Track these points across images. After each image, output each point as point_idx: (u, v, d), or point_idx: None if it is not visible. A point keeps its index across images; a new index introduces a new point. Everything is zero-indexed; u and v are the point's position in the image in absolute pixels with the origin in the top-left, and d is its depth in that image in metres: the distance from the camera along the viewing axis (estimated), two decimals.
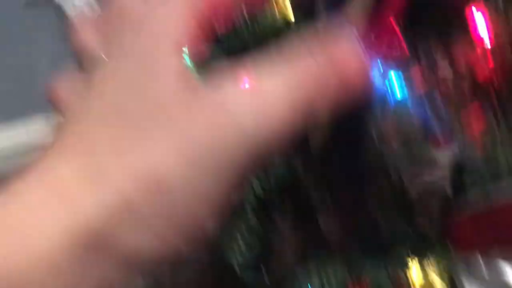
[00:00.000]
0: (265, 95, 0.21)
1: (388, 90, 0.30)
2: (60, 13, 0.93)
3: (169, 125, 0.21)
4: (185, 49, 0.23)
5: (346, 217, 0.45)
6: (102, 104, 0.23)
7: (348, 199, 0.42)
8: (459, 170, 0.35)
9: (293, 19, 0.55)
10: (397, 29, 0.29)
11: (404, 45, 0.29)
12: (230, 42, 0.45)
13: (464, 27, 0.29)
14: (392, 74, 0.29)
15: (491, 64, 0.28)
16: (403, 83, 0.30)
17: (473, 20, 0.29)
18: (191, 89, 0.22)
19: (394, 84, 0.30)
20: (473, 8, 0.29)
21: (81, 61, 0.31)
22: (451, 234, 0.39)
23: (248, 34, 0.47)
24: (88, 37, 0.31)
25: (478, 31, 0.28)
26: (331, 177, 0.41)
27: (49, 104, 0.90)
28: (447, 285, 0.40)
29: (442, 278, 0.40)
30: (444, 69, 0.29)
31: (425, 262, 0.41)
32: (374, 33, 0.30)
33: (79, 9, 0.91)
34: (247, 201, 0.51)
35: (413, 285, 0.42)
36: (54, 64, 1.00)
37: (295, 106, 0.21)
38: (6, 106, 0.99)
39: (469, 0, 0.29)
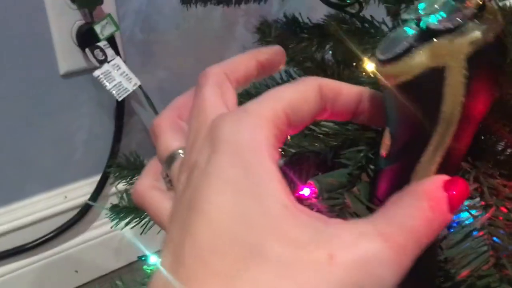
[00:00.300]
0: (399, 250, 0.23)
1: (456, 219, 0.33)
2: (97, 84, 0.97)
3: (309, 266, 0.21)
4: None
5: None
6: (213, 229, 0.22)
7: None
8: None
9: None
10: (463, 164, 0.32)
11: (468, 179, 0.33)
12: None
13: None
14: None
15: None
16: (467, 212, 0.33)
17: None
18: (315, 226, 0.22)
19: (459, 213, 0.33)
20: None
21: (164, 163, 0.31)
22: None
23: None
24: (172, 142, 0.31)
25: None
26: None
27: (85, 172, 0.92)
28: None
29: None
30: (507, 203, 0.32)
31: None
32: (448, 166, 0.32)
33: (116, 81, 0.95)
34: None
35: None
36: (91, 134, 1.04)
37: (416, 253, 0.24)
38: (45, 175, 1.02)
39: None
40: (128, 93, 0.96)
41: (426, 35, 0.27)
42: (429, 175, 0.29)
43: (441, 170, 0.31)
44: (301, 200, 0.44)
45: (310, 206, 0.43)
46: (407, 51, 0.27)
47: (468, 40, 0.25)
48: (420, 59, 0.27)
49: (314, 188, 0.44)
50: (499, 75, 0.28)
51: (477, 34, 0.25)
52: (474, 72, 0.26)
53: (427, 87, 0.27)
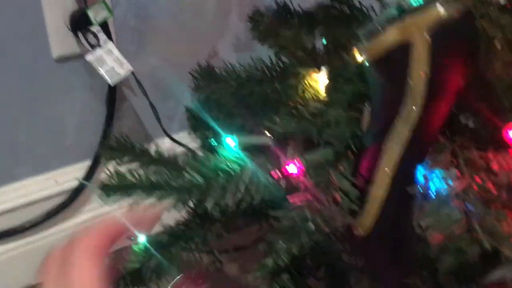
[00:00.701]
0: None
1: (430, 188, 0.35)
2: (90, 69, 0.98)
3: None
4: None
5: (380, 281, 0.48)
6: None
7: (383, 268, 0.45)
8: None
9: (325, 97, 0.59)
10: (440, 138, 0.34)
11: (446, 150, 0.34)
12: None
13: (503, 141, 0.33)
14: (435, 175, 0.34)
15: None
16: (444, 182, 0.35)
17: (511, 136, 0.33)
18: None
19: (436, 183, 0.35)
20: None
21: None
22: None
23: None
24: None
25: None
26: (373, 253, 0.44)
27: (76, 157, 0.93)
28: None
29: None
30: (482, 174, 0.33)
31: None
32: (421, 140, 0.34)
33: (109, 66, 0.96)
34: (282, 262, 0.55)
35: None
36: (83, 119, 1.05)
37: None
38: (36, 159, 1.03)
39: (508, 119, 0.33)
40: (121, 78, 0.97)
41: (402, 15, 0.29)
42: (399, 151, 0.31)
43: (413, 145, 0.32)
44: (288, 177, 0.46)
45: (297, 183, 0.45)
46: (382, 29, 0.29)
47: (430, 15, 0.27)
48: (390, 35, 0.28)
49: (301, 166, 0.45)
50: (470, 52, 0.30)
51: (439, 9, 0.27)
52: (439, 46, 0.27)
53: (397, 61, 0.29)
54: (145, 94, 1.01)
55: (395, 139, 0.34)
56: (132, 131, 1.08)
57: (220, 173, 0.50)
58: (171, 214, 0.69)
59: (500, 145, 0.34)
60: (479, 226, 0.32)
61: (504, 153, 0.33)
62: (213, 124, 0.58)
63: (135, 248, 0.69)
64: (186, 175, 0.54)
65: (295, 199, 0.42)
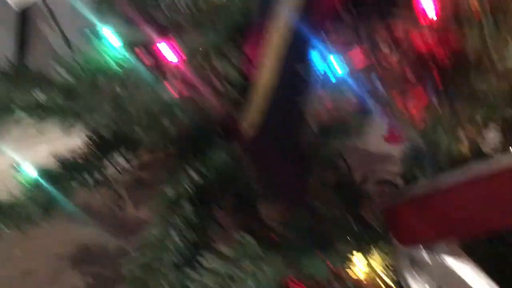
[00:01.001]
0: None
1: (328, 70, 0.28)
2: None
3: None
4: None
5: (287, 206, 0.42)
6: None
7: (288, 187, 0.40)
8: (406, 162, 0.34)
9: None
10: (338, 9, 0.27)
11: (345, 25, 0.27)
12: None
13: (407, 4, 0.27)
14: (333, 53, 0.28)
15: (435, 39, 0.26)
16: (343, 62, 0.28)
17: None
18: None
19: (334, 64, 0.28)
20: None
21: None
22: (393, 223, 0.37)
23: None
24: None
25: (421, 6, 0.26)
26: (269, 164, 0.38)
27: None
28: (391, 279, 0.39)
29: (386, 271, 0.39)
30: (385, 47, 0.27)
31: (369, 256, 0.40)
32: (316, 13, 0.28)
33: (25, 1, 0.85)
34: (184, 192, 0.48)
35: (356, 279, 0.40)
36: None
37: None
38: None
39: None
40: (27, 3, 0.87)
41: None
42: (289, 22, 0.25)
43: (305, 15, 0.26)
44: (167, 66, 0.38)
45: (177, 72, 0.37)
46: None
47: None
48: None
49: (181, 53, 0.37)
50: None
51: None
52: None
53: None
54: (58, 24, 0.91)
55: (285, 8, 0.27)
56: (49, 65, 0.98)
57: (98, 73, 0.42)
58: (66, 144, 0.61)
59: (404, 7, 0.27)
60: (379, 105, 0.26)
61: (409, 15, 0.27)
62: (97, 20, 0.49)
63: (22, 180, 0.60)
64: (59, 78, 0.45)
65: (173, 89, 0.34)
